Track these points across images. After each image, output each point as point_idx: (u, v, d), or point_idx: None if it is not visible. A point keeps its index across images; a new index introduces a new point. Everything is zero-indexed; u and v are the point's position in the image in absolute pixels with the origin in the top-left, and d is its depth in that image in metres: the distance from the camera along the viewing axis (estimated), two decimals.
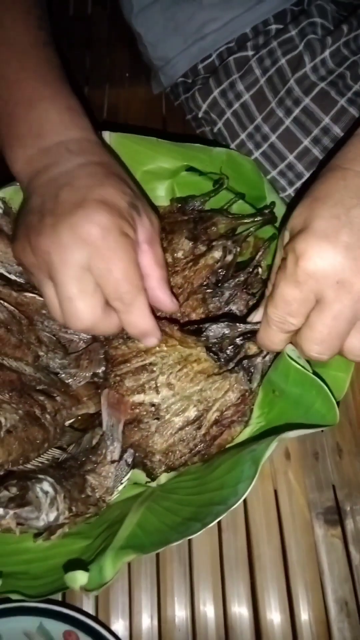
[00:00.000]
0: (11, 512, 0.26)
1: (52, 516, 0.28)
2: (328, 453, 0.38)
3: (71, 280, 0.29)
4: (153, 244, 0.33)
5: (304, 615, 0.33)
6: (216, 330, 0.34)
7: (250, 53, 0.45)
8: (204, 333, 0.34)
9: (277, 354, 0.33)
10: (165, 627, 0.33)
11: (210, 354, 0.34)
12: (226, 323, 0.34)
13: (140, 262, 0.32)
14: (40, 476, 0.29)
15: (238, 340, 0.34)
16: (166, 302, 0.33)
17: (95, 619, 0.30)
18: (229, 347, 0.34)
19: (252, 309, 0.35)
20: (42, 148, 0.33)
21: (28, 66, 0.35)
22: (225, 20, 0.47)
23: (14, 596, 0.26)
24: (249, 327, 0.33)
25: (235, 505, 0.26)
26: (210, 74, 0.46)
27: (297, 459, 0.38)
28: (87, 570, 0.25)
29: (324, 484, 0.37)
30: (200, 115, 0.47)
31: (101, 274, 0.30)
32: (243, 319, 0.35)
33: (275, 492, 0.37)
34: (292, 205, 0.36)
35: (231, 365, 0.34)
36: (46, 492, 0.29)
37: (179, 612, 0.33)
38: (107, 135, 0.38)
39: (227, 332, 0.34)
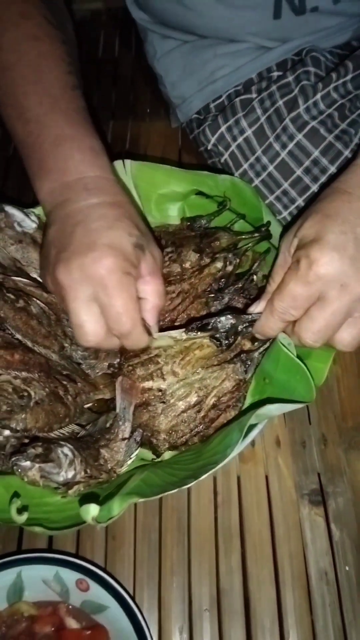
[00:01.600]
0: (37, 465, 0.32)
1: (70, 474, 0.33)
2: (314, 442, 0.42)
3: (80, 310, 0.35)
4: (154, 276, 0.38)
5: (288, 583, 0.37)
6: (224, 322, 0.39)
7: (254, 95, 0.52)
8: (212, 325, 0.39)
9: (269, 347, 0.38)
10: (164, 583, 0.37)
11: (213, 340, 0.40)
12: (232, 314, 0.39)
13: (142, 289, 0.37)
14: (62, 442, 0.35)
15: (242, 328, 0.39)
16: (150, 325, 0.38)
17: (104, 569, 0.35)
18: (233, 336, 0.39)
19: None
20: (64, 183, 0.38)
21: (58, 108, 0.40)
22: (234, 67, 0.54)
23: (36, 529, 0.31)
24: (250, 317, 0.39)
25: (223, 462, 0.31)
26: (220, 112, 0.53)
27: (287, 447, 0.42)
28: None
29: (309, 469, 0.41)
30: (209, 147, 0.54)
31: (105, 307, 0.35)
32: (243, 311, 0.40)
33: (267, 476, 0.42)
34: (287, 225, 0.42)
35: (230, 356, 0.39)
36: (66, 455, 0.34)
37: (177, 577, 0.38)
38: (128, 163, 0.45)
39: (234, 322, 0.39)
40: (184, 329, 0.41)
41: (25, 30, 0.42)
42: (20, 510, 0.30)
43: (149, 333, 0.38)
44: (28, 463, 0.32)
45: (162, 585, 0.37)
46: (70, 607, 0.35)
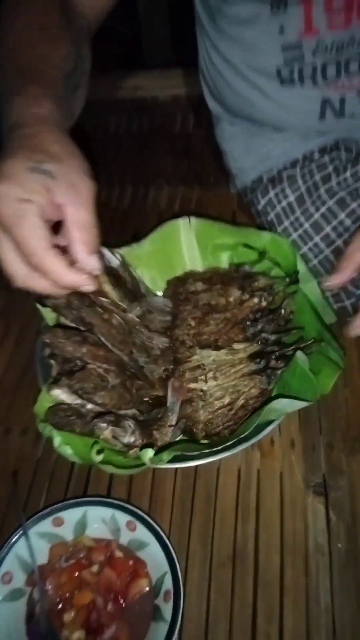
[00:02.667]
0: (110, 427, 0.45)
1: (131, 439, 0.46)
2: (322, 447, 0.53)
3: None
4: (70, 204, 0.35)
5: (290, 551, 0.47)
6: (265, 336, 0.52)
7: (297, 171, 0.66)
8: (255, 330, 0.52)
9: (289, 364, 0.50)
10: (192, 539, 0.48)
11: (253, 362, 0.51)
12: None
13: (65, 223, 0.36)
14: (128, 417, 0.48)
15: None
16: (82, 261, 0.37)
17: (148, 515, 0.46)
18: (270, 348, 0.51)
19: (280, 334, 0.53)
20: (7, 124, 0.39)
21: (34, 72, 0.43)
22: (284, 150, 0.69)
23: (108, 468, 0.43)
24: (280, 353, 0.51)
25: (246, 441, 0.43)
26: (270, 182, 0.67)
27: (299, 449, 0.53)
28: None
29: (316, 467, 0.51)
30: (259, 209, 0.68)
31: (10, 241, 0.34)
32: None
33: (281, 472, 0.52)
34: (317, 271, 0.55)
35: (258, 370, 0.51)
36: (130, 426, 0.47)
37: (202, 537, 0.48)
38: (192, 220, 0.59)
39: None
40: (226, 349, 0.53)
41: (42, 22, 0.49)
42: (98, 452, 0.43)
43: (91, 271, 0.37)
44: (104, 425, 0.45)
45: (190, 540, 0.48)
46: (119, 543, 0.47)
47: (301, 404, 0.45)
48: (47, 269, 0.35)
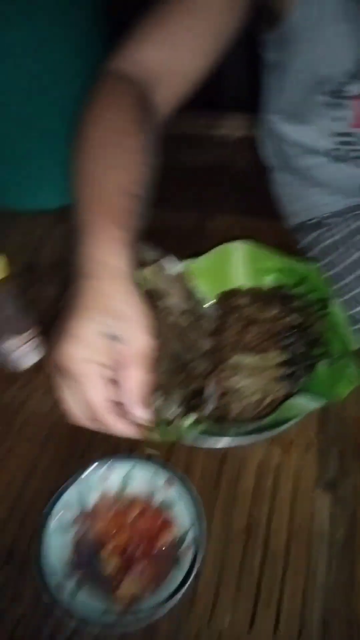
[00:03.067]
0: (158, 400, 0.55)
1: (172, 417, 0.56)
2: (335, 451, 0.60)
3: (62, 400, 0.40)
4: (131, 366, 0.38)
5: (296, 532, 0.54)
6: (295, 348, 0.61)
7: (339, 219, 0.75)
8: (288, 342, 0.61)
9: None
10: (215, 513, 0.57)
11: (282, 368, 0.60)
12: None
13: (121, 380, 0.39)
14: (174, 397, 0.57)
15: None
16: (136, 414, 0.40)
17: (183, 477, 0.55)
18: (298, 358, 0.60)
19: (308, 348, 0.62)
20: (79, 263, 0.42)
21: (109, 206, 0.44)
22: (331, 201, 0.78)
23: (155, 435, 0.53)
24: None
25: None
26: (314, 225, 0.77)
27: (314, 451, 0.60)
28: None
29: (327, 468, 0.59)
30: (303, 246, 0.77)
31: (73, 388, 0.38)
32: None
33: (296, 469, 0.60)
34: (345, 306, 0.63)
35: (287, 375, 0.60)
36: (174, 403, 0.56)
37: (224, 510, 0.57)
38: (245, 244, 0.69)
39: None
40: (261, 356, 0.62)
41: (128, 144, 0.50)
42: None
43: (141, 422, 0.40)
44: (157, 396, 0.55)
45: (213, 511, 0.57)
46: (154, 499, 0.56)
47: (318, 404, 0.53)
48: (102, 421, 0.39)
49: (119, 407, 0.40)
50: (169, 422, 0.55)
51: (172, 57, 0.57)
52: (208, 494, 0.58)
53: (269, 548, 0.54)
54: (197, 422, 0.54)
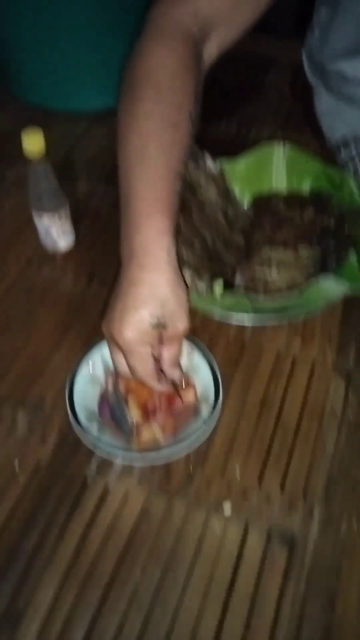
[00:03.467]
0: (192, 273, 0.57)
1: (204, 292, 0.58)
2: (355, 344, 0.63)
3: (116, 361, 0.51)
4: (170, 344, 0.50)
5: (309, 412, 0.58)
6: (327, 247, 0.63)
7: None
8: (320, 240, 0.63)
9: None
10: (234, 381, 0.60)
11: (313, 264, 0.62)
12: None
13: (163, 350, 0.51)
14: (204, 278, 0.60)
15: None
16: (171, 374, 0.53)
17: (207, 349, 0.59)
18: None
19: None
20: (131, 251, 0.47)
21: (155, 187, 0.48)
22: None
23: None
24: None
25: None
26: (353, 141, 0.78)
27: (335, 342, 0.63)
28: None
29: (346, 359, 0.62)
30: (341, 162, 0.78)
31: (129, 366, 0.50)
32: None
33: (315, 357, 0.63)
34: None
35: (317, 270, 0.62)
36: (207, 279, 0.59)
37: (242, 379, 0.60)
38: (287, 145, 0.70)
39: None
40: (293, 251, 0.65)
41: (172, 118, 0.50)
42: None
43: (175, 383, 0.53)
44: (189, 271, 0.57)
45: (231, 384, 0.60)
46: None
47: (344, 288, 0.56)
48: (146, 382, 0.51)
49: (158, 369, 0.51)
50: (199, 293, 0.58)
51: (227, 6, 0.56)
52: (227, 371, 0.61)
53: (281, 420, 0.58)
54: (225, 294, 0.57)
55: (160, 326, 0.47)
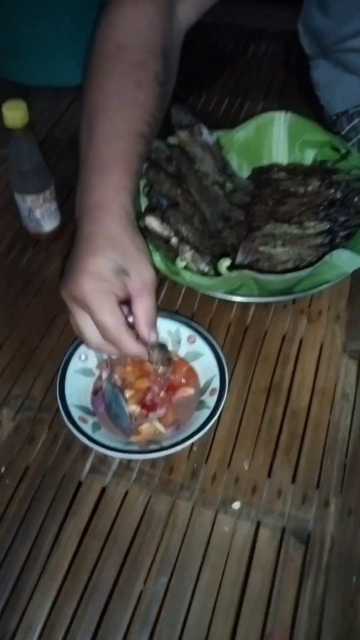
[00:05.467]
0: (192, 251, 0.52)
1: (205, 269, 0.53)
2: None
3: (78, 324, 0.44)
4: (140, 295, 0.44)
5: (320, 393, 0.54)
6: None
7: None
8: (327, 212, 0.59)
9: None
10: (238, 364, 0.56)
11: (320, 237, 0.58)
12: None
13: (134, 307, 0.44)
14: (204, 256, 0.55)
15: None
16: (145, 338, 0.45)
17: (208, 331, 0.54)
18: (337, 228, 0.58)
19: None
20: (86, 206, 0.45)
21: (115, 146, 0.47)
22: None
23: (187, 275, 0.51)
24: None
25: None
26: (355, 113, 0.73)
27: (343, 322, 0.59)
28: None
29: (356, 339, 0.58)
30: (343, 134, 0.73)
31: (93, 321, 0.43)
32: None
33: (323, 337, 0.58)
34: None
35: (324, 243, 0.58)
36: (207, 256, 0.54)
37: (247, 363, 0.56)
38: (289, 114, 0.65)
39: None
40: (298, 225, 0.60)
41: (135, 76, 0.49)
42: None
43: (146, 343, 0.45)
44: (188, 247, 0.53)
45: (235, 368, 0.56)
46: (179, 351, 0.54)
47: (354, 264, 0.51)
48: (119, 344, 0.44)
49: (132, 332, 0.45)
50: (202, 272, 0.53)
51: None
52: (230, 355, 0.56)
53: (289, 406, 0.53)
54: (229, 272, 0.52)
55: (121, 272, 0.43)
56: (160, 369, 0.48)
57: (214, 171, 0.65)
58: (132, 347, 0.44)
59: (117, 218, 0.44)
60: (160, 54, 0.50)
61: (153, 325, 0.46)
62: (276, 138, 0.67)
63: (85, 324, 0.44)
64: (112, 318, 0.43)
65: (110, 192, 0.45)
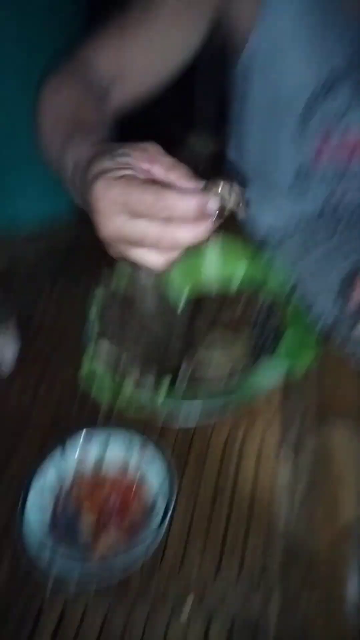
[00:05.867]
0: (138, 372, 0.61)
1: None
2: (298, 417, 0.67)
3: (127, 229, 0.37)
4: (156, 160, 0.39)
5: (260, 488, 0.60)
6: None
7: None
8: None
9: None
10: (186, 473, 0.62)
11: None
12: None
13: (157, 175, 0.39)
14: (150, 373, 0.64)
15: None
16: (192, 186, 0.38)
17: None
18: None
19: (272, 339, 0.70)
20: (73, 170, 0.46)
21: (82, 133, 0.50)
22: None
23: (133, 402, 0.59)
24: None
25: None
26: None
27: (279, 418, 0.67)
28: None
29: (291, 432, 0.65)
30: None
31: (134, 208, 0.36)
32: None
33: (263, 433, 0.66)
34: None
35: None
36: (151, 377, 0.62)
37: (194, 470, 0.62)
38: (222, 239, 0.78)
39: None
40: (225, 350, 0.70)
41: (91, 101, 0.58)
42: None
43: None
44: (134, 370, 0.62)
45: (183, 477, 0.62)
46: (130, 464, 0.61)
47: (282, 368, 0.62)
48: (172, 205, 0.35)
49: None
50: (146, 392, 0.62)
51: (125, 66, 0.64)
52: (179, 461, 0.63)
53: (234, 505, 0.59)
54: (170, 390, 0.61)
55: (121, 154, 0.39)
56: (239, 207, 0.38)
57: (153, 310, 0.75)
58: (182, 198, 0.35)
59: (96, 154, 0.42)
60: (103, 110, 0.60)
61: (176, 165, 0.40)
62: (209, 260, 0.79)
63: (134, 223, 0.36)
64: (142, 189, 0.36)
65: (89, 146, 0.45)
